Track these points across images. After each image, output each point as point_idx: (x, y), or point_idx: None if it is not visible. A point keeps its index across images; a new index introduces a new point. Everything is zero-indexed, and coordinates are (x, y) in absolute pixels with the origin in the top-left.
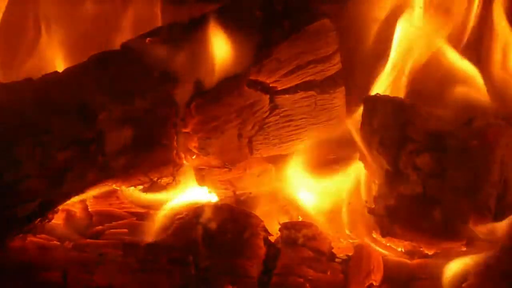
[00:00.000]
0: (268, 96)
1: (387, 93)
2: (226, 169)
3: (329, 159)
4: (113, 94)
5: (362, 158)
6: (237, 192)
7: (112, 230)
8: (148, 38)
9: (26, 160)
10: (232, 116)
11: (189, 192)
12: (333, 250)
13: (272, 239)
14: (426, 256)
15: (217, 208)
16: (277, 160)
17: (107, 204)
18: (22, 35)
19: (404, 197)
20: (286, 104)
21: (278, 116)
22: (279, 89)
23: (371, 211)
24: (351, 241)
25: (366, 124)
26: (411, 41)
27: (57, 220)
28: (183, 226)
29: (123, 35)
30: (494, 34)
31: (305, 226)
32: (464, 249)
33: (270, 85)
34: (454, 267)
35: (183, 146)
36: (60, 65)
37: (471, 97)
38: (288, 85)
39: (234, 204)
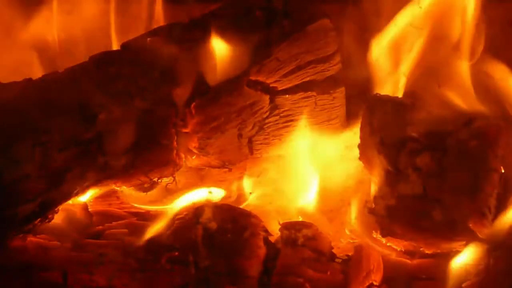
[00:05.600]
0: (268, 96)
1: (387, 93)
2: (226, 169)
3: (329, 159)
4: (113, 94)
5: (362, 158)
6: (237, 192)
7: (112, 230)
8: (148, 38)
9: (26, 160)
10: (232, 116)
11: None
12: (333, 250)
13: (272, 239)
14: (426, 256)
15: (217, 208)
16: (277, 160)
17: (107, 204)
18: None
19: (404, 197)
20: (286, 104)
21: (278, 116)
22: (279, 89)
23: (371, 211)
24: (351, 241)
25: (366, 124)
26: (411, 41)
27: (57, 220)
28: (183, 226)
29: (123, 35)
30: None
31: (305, 226)
32: (464, 249)
33: (270, 85)
34: (454, 267)
35: (183, 146)
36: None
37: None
38: (288, 85)
39: (234, 204)
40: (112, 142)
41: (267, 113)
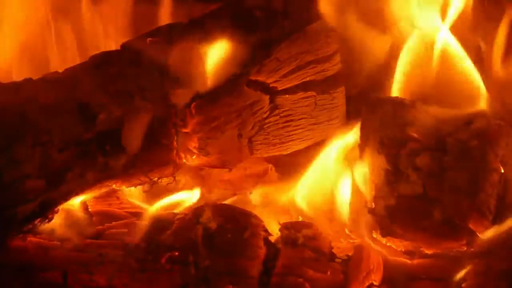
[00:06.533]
0: (268, 96)
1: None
2: (226, 169)
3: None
4: (113, 94)
5: (362, 158)
6: (237, 192)
7: (112, 230)
8: (148, 38)
9: (26, 160)
10: (232, 116)
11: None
12: (333, 250)
13: (272, 239)
14: (426, 256)
15: (217, 208)
16: (277, 160)
17: (107, 204)
18: None
19: (404, 197)
20: (286, 104)
21: (278, 116)
22: (279, 89)
23: (371, 211)
24: (351, 241)
25: (366, 124)
26: (411, 41)
27: (57, 220)
28: (183, 226)
29: (123, 35)
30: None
31: (305, 226)
32: (464, 249)
33: (270, 85)
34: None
35: (183, 146)
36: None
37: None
38: (288, 85)
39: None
40: (112, 142)
41: (267, 113)
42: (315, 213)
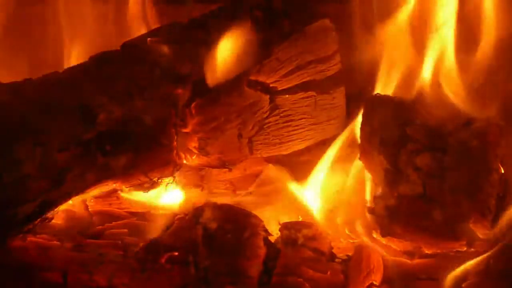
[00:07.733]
0: (268, 96)
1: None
2: (226, 169)
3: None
4: (113, 94)
5: (362, 158)
6: (237, 192)
7: (112, 230)
8: (148, 38)
9: (26, 160)
10: (232, 116)
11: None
12: (333, 250)
13: (272, 239)
14: (426, 256)
15: (217, 208)
16: (277, 160)
17: (107, 204)
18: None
19: (404, 197)
20: (286, 104)
21: (278, 116)
22: (279, 89)
23: (371, 211)
24: (351, 241)
25: (366, 124)
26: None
27: (57, 220)
28: (183, 226)
29: (123, 35)
30: None
31: (305, 226)
32: (464, 249)
33: (270, 85)
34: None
35: (183, 146)
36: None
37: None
38: (288, 85)
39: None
40: (112, 142)
41: (267, 113)
42: (316, 213)
